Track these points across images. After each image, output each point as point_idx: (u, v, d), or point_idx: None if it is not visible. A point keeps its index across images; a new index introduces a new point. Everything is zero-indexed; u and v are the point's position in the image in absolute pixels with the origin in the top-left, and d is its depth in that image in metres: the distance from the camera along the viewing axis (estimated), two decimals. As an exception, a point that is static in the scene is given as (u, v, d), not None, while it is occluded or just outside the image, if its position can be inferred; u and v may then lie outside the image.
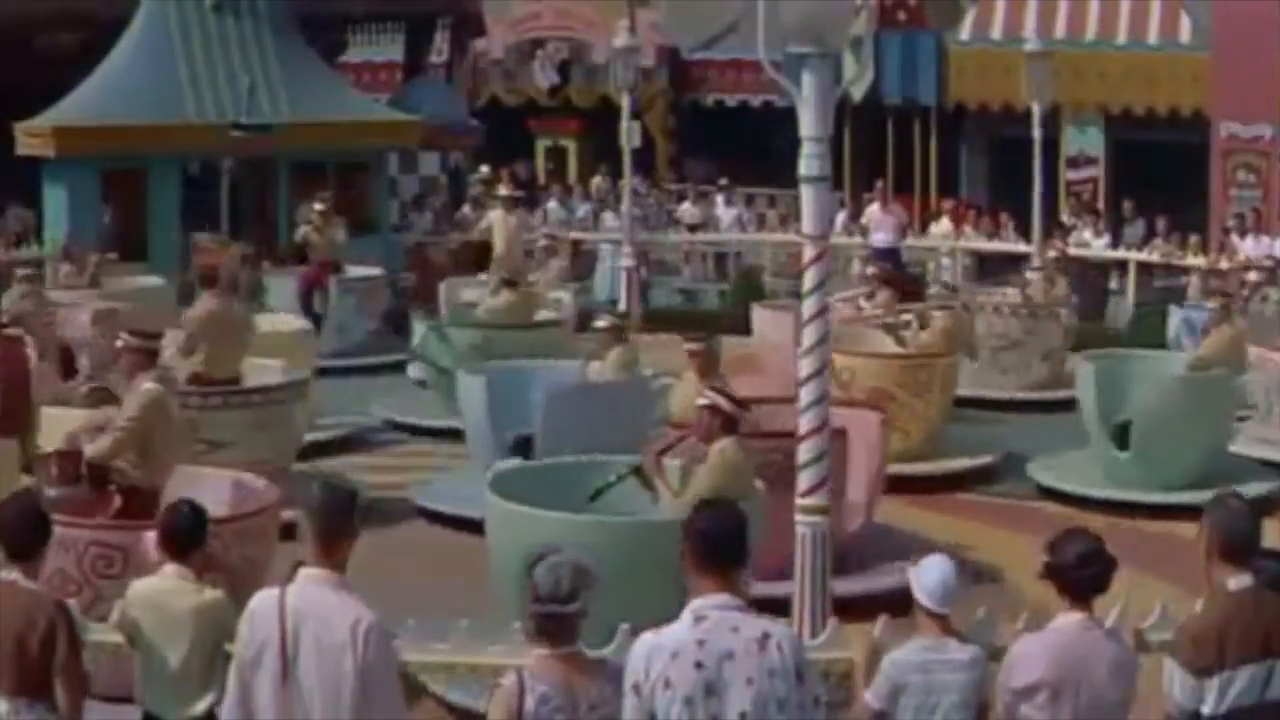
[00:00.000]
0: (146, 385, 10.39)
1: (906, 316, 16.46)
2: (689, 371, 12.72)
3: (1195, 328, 17.50)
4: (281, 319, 17.28)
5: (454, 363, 16.03)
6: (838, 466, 11.28)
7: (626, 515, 10.09)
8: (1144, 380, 14.91)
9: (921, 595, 6.51)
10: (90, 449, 10.13)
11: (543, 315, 17.85)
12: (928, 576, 6.52)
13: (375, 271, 21.16)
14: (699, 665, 5.49)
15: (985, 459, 15.27)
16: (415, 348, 17.51)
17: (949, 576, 6.52)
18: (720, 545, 5.64)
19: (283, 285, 19.72)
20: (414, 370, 17.67)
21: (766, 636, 5.56)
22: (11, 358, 13.41)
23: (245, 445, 12.78)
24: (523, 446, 13.06)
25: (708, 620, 5.55)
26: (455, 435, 14.99)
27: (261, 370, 14.17)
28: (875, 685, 6.44)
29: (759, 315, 19.15)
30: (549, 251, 20.41)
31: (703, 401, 10.48)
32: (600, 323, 14.84)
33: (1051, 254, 20.15)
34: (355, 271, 20.67)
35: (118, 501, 9.91)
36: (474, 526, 11.35)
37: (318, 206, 20.35)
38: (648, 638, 5.63)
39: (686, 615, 5.60)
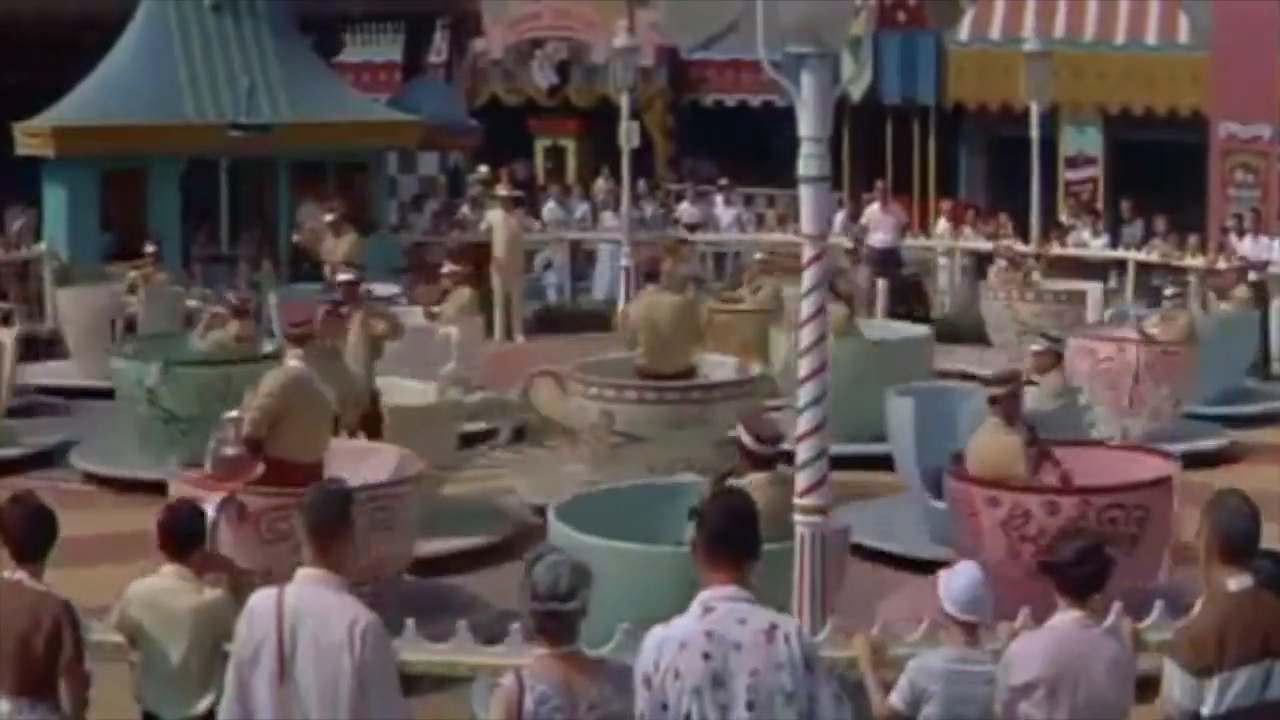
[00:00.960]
0: (289, 363, 10.87)
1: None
2: (992, 418, 11.22)
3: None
4: None
5: (185, 409, 14.30)
6: (1168, 516, 10.52)
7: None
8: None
9: (948, 603, 6.51)
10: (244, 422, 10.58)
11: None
12: (955, 583, 6.52)
13: (393, 289, 20.97)
14: (706, 656, 5.52)
15: None
16: (150, 389, 14.75)
17: (977, 584, 6.52)
18: (731, 537, 5.68)
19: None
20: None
21: (774, 628, 5.59)
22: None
23: (663, 442, 12.81)
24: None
25: (716, 612, 5.59)
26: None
27: (716, 367, 14.19)
28: (899, 687, 6.45)
29: None
30: (453, 277, 18.00)
31: (732, 434, 9.79)
32: (1036, 346, 13.15)
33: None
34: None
35: (259, 469, 10.28)
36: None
37: (328, 218, 20.31)
38: (657, 630, 5.66)
39: (695, 607, 5.63)
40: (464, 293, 17.71)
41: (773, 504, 8.75)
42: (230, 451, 10.46)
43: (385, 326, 13.50)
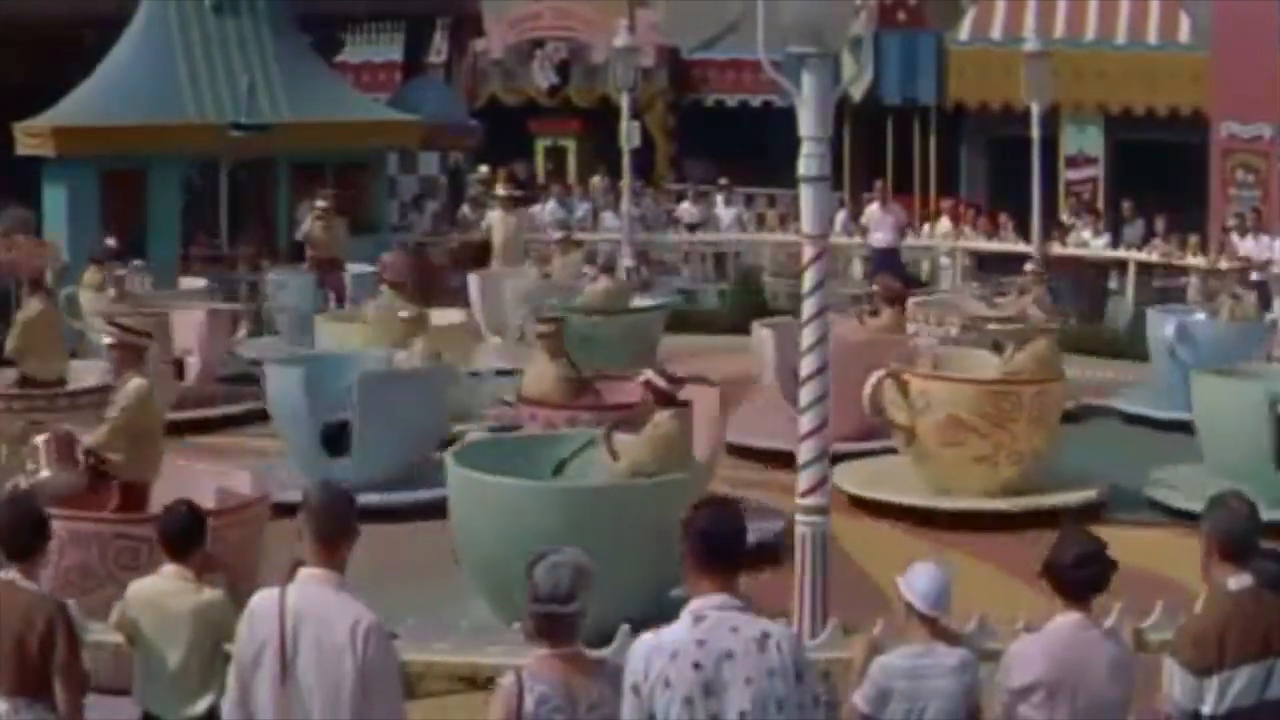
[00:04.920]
0: (136, 380, 10.69)
1: (1010, 323, 15.36)
2: (539, 351, 14.04)
3: (1188, 335, 17.21)
4: (445, 314, 17.82)
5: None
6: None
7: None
8: None
9: (912, 597, 6.51)
10: (88, 439, 10.32)
11: (638, 302, 18.91)
12: (917, 579, 6.53)
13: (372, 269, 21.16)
14: (697, 665, 5.48)
15: (1090, 492, 13.68)
16: (521, 329, 17.80)
17: (939, 579, 6.52)
18: (719, 546, 5.63)
19: (298, 281, 20.17)
20: None
21: (766, 636, 5.55)
22: None
23: None
24: (336, 433, 13.73)
25: (707, 620, 5.54)
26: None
27: (85, 371, 14.51)
28: (863, 689, 6.44)
29: (759, 334, 17.14)
30: (565, 245, 21.11)
31: (640, 378, 11.26)
32: (404, 313, 15.62)
33: (1029, 266, 19.55)
34: (353, 269, 20.73)
35: (117, 496, 10.06)
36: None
37: (320, 204, 20.49)
38: (647, 638, 5.62)
39: (686, 616, 5.58)
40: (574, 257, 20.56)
41: (678, 437, 10.82)
42: (45, 473, 10.11)
43: None
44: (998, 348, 14.92)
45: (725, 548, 5.63)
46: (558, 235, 21.85)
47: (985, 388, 14.03)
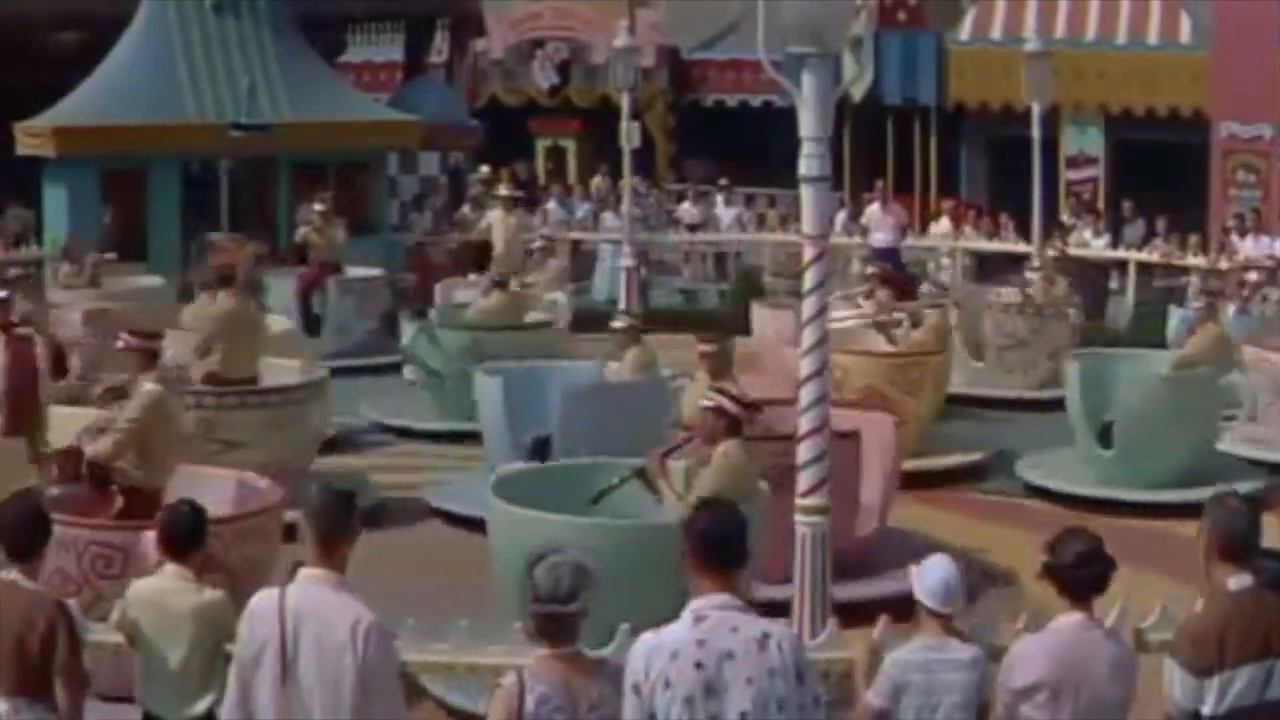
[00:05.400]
0: (148, 386, 10.52)
1: (899, 315, 16.44)
2: (700, 372, 12.44)
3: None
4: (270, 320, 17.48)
5: (443, 364, 16.24)
6: (850, 469, 11.33)
7: (629, 518, 10.02)
8: (1130, 379, 15.04)
9: (923, 595, 6.52)
10: (90, 449, 10.25)
11: (533, 317, 17.77)
12: (930, 576, 6.54)
13: (375, 272, 21.21)
14: (699, 665, 5.49)
15: (975, 456, 15.47)
16: (404, 348, 17.29)
17: (951, 576, 6.53)
18: (720, 546, 5.64)
19: (282, 285, 19.85)
20: (408, 371, 17.51)
21: (766, 636, 5.56)
22: (21, 357, 13.50)
23: (261, 445, 12.80)
24: (540, 447, 13.04)
25: (708, 620, 5.56)
26: (443, 437, 15.56)
27: (279, 370, 14.21)
28: (877, 684, 6.45)
29: (759, 314, 19.14)
30: (546, 252, 20.44)
31: (707, 403, 10.25)
32: (618, 323, 14.88)
33: (1051, 254, 20.16)
34: (355, 272, 20.76)
35: (119, 502, 10.05)
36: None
37: (318, 206, 20.46)
38: (648, 638, 5.63)
39: (686, 615, 5.60)
40: (552, 264, 20.12)
41: (746, 466, 9.96)
42: (54, 490, 9.92)
43: None
44: (882, 328, 16.15)
45: (725, 548, 5.65)
46: (538, 243, 20.90)
47: (896, 360, 15.59)
